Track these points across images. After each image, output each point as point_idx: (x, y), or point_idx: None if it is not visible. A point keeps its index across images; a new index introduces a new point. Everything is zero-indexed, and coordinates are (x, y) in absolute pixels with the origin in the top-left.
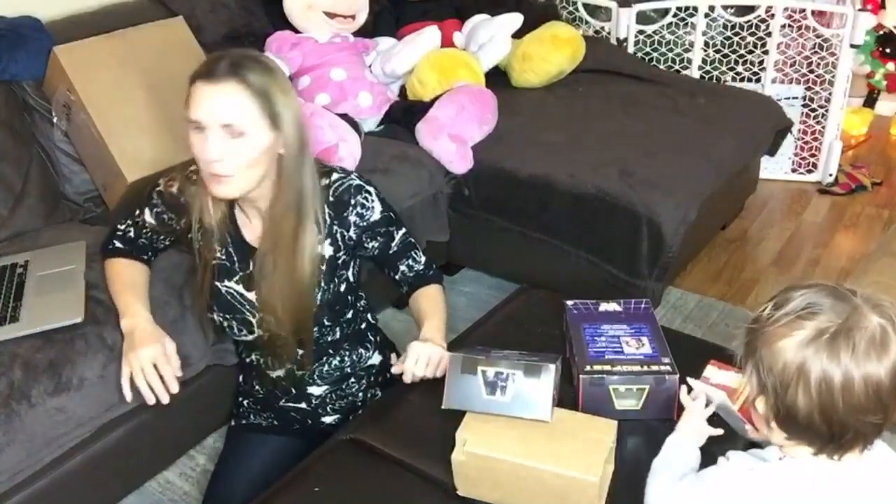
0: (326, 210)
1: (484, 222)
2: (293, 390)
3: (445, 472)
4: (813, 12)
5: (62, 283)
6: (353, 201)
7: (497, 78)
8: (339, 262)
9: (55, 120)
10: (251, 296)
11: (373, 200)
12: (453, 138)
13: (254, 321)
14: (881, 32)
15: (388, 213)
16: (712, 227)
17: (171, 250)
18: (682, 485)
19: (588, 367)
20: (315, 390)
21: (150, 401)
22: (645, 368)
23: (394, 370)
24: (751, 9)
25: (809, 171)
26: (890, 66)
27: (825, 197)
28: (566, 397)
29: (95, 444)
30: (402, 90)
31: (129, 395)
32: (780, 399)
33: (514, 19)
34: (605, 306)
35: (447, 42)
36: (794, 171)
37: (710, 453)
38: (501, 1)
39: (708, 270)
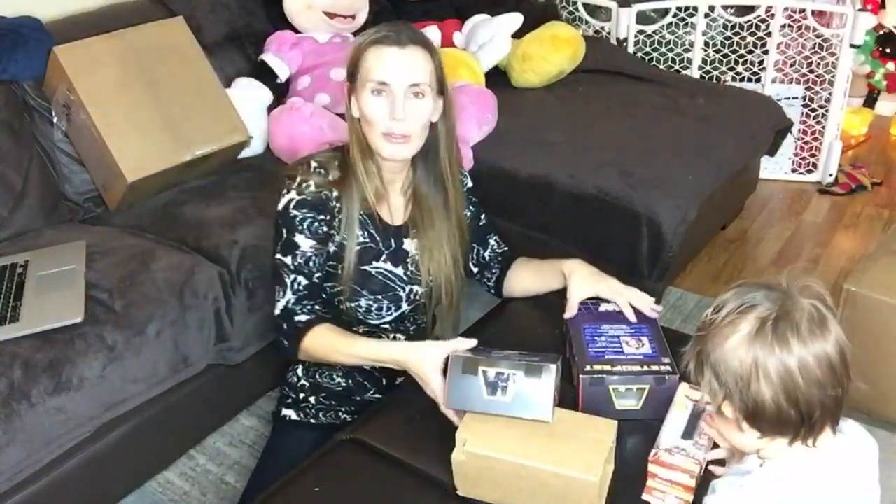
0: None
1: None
2: (384, 381)
3: (445, 472)
4: (813, 12)
5: (62, 283)
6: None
7: (497, 78)
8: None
9: (55, 120)
10: (399, 271)
11: (464, 171)
12: None
13: (403, 294)
14: (881, 32)
15: (474, 186)
16: (712, 227)
17: (171, 250)
18: None
19: (588, 367)
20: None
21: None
22: (645, 368)
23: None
24: (751, 9)
25: (809, 171)
26: (890, 66)
27: (825, 197)
28: (566, 397)
29: (95, 444)
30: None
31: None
32: (744, 396)
33: (514, 19)
34: (605, 306)
35: (447, 42)
36: (794, 171)
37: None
38: (501, 1)
39: (708, 270)
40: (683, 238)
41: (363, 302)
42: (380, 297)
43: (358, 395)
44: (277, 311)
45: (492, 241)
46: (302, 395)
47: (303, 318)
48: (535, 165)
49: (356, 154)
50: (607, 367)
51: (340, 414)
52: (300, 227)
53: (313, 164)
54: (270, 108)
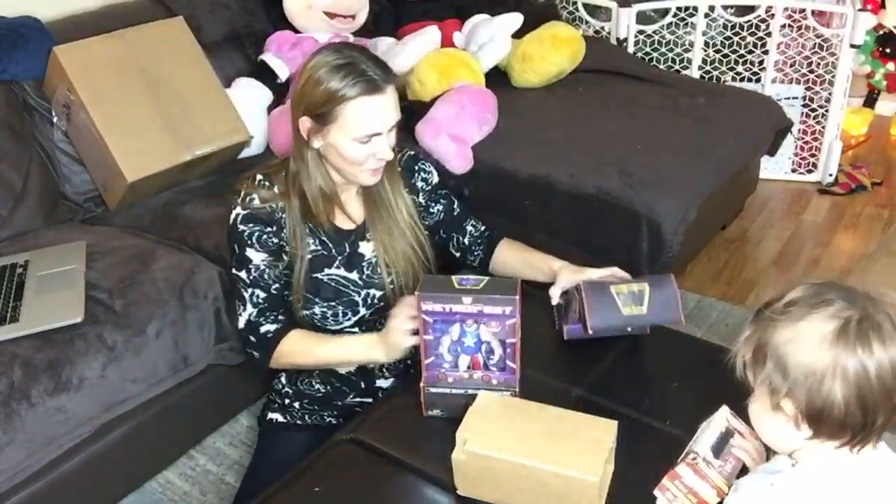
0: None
1: (484, 222)
2: (363, 385)
3: (445, 471)
4: (813, 12)
5: (62, 283)
6: (416, 167)
7: (497, 78)
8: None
9: (55, 120)
10: (354, 275)
11: (429, 166)
12: (453, 138)
13: (359, 299)
14: (881, 32)
15: (442, 178)
16: (712, 227)
17: (171, 250)
18: None
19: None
20: (383, 383)
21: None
22: (642, 278)
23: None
24: (751, 9)
25: (809, 171)
26: (890, 66)
27: (825, 197)
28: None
29: (95, 444)
30: (403, 90)
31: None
32: (813, 394)
33: (514, 19)
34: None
35: (447, 42)
36: (794, 171)
37: None
38: (501, 1)
39: (708, 270)
40: (683, 238)
41: (317, 309)
42: (333, 303)
43: (338, 400)
44: (241, 325)
45: (469, 227)
46: (287, 401)
47: (270, 327)
48: (535, 165)
49: (309, 180)
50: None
51: (325, 417)
52: (249, 242)
53: (258, 177)
54: (270, 108)
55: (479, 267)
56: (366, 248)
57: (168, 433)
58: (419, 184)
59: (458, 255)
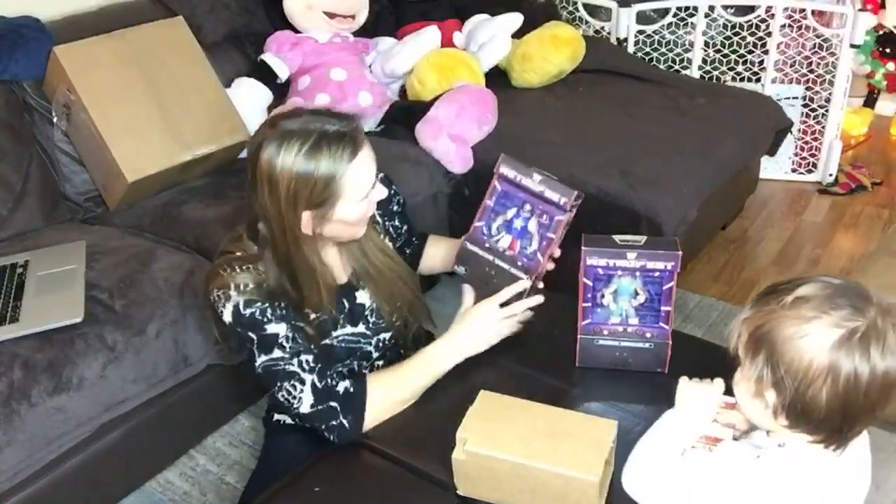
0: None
1: None
2: None
3: (445, 472)
4: (813, 12)
5: (62, 283)
6: (392, 190)
7: (497, 78)
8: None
9: (55, 120)
10: (361, 328)
11: (396, 185)
12: (453, 138)
13: (371, 348)
14: (881, 32)
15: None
16: (712, 227)
17: (171, 250)
18: (687, 465)
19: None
20: None
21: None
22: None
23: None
24: (751, 9)
25: (809, 171)
26: (890, 66)
27: (825, 197)
28: None
29: (95, 444)
30: (402, 90)
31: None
32: (799, 394)
33: (514, 19)
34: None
35: (447, 42)
36: (794, 171)
37: None
38: (501, 1)
39: (708, 270)
40: (683, 238)
41: (338, 368)
42: (347, 361)
43: None
44: (310, 404)
45: (414, 234)
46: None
47: (344, 383)
48: (535, 165)
49: (305, 265)
50: None
51: None
52: (265, 319)
53: (235, 265)
54: (270, 108)
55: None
56: (363, 297)
57: (168, 433)
58: (395, 207)
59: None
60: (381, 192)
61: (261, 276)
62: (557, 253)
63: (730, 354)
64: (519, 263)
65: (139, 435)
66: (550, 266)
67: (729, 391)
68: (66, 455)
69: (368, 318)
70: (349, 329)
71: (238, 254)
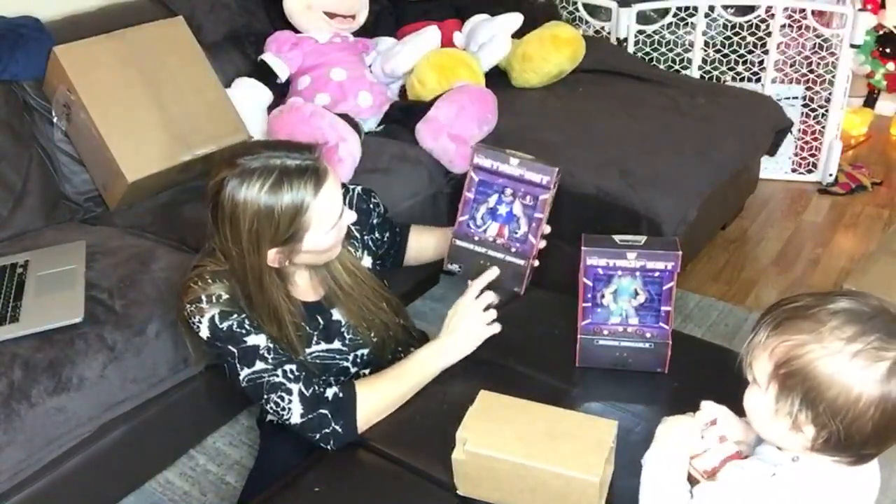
0: (352, 227)
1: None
2: None
3: (445, 472)
4: (813, 12)
5: (62, 283)
6: (371, 204)
7: (497, 78)
8: (378, 268)
9: (55, 120)
10: (337, 344)
11: (376, 195)
12: (453, 138)
13: (349, 364)
14: (881, 32)
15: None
16: (712, 227)
17: (171, 250)
18: (701, 494)
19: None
20: None
21: None
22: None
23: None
24: (751, 9)
25: (809, 171)
26: (890, 66)
27: (825, 197)
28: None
29: (95, 444)
30: (402, 90)
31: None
32: (843, 427)
33: (514, 19)
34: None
35: (447, 42)
36: (794, 171)
37: None
38: (501, 1)
39: (708, 270)
40: (683, 238)
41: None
42: (323, 377)
43: None
44: (300, 413)
45: (390, 233)
46: None
47: (333, 389)
48: None
49: (268, 304)
50: None
51: None
52: (244, 330)
53: (207, 277)
54: (270, 108)
55: (395, 266)
56: (339, 314)
57: (168, 433)
58: (374, 220)
59: (379, 262)
60: (351, 217)
61: (234, 288)
62: (548, 230)
63: (737, 366)
64: (513, 249)
65: (139, 435)
66: (542, 244)
67: (727, 402)
68: (66, 455)
69: (345, 334)
70: (323, 346)
71: (209, 267)
